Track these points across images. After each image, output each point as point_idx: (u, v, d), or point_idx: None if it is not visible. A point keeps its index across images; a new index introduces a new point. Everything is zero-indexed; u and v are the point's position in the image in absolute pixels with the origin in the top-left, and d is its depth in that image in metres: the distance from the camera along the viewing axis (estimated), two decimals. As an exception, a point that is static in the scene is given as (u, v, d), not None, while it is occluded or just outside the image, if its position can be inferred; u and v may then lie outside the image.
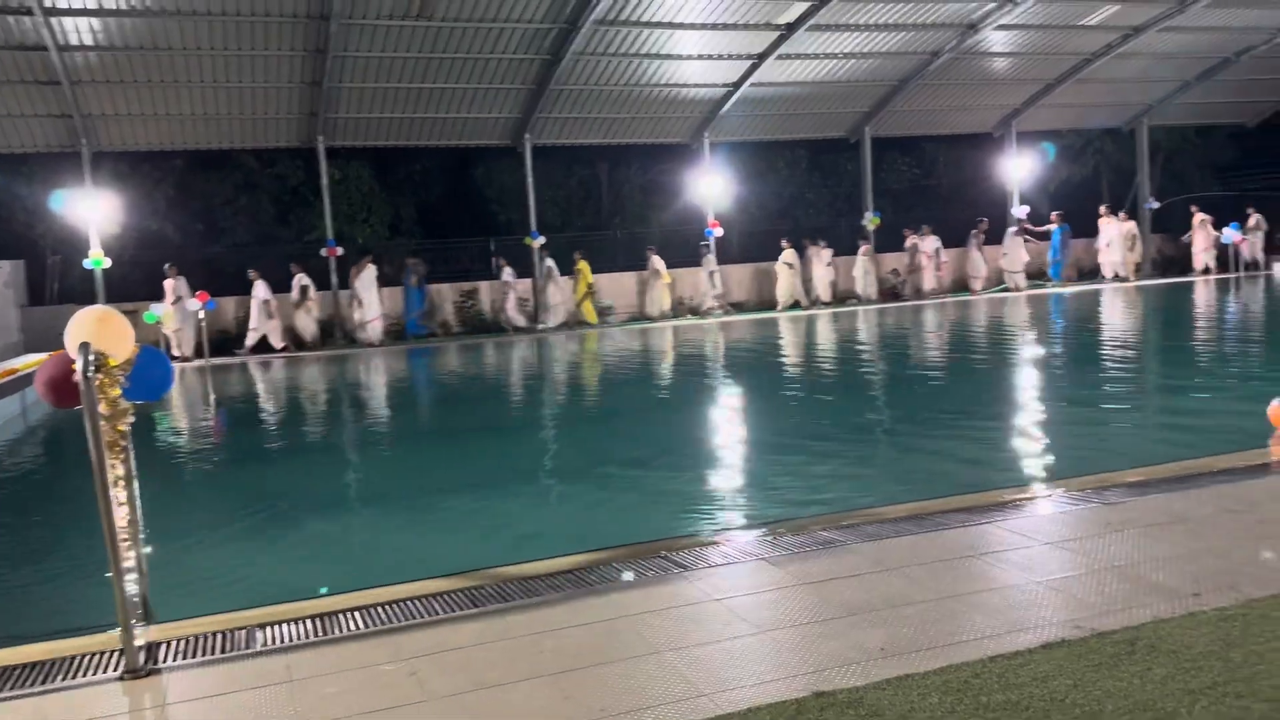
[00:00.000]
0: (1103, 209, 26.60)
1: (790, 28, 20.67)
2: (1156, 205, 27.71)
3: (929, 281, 25.05)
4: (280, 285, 20.81)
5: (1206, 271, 25.81)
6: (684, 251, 25.73)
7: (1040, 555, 4.57)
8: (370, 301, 21.02)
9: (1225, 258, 25.82)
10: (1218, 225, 25.83)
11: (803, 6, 20.03)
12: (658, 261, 23.47)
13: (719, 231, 24.38)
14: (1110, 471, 6.12)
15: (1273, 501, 5.16)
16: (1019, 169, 26.92)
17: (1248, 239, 25.95)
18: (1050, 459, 7.52)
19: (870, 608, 4.02)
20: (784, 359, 16.20)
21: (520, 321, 22.31)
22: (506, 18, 18.95)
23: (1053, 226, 26.16)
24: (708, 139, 24.40)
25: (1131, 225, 26.30)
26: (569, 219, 30.15)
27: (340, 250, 21.93)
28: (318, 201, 22.54)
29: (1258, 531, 4.67)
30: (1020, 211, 26.33)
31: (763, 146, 28.49)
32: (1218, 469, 5.94)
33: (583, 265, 23.01)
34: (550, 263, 22.71)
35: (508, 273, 22.29)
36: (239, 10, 17.48)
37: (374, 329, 21.01)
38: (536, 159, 23.54)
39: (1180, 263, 27.11)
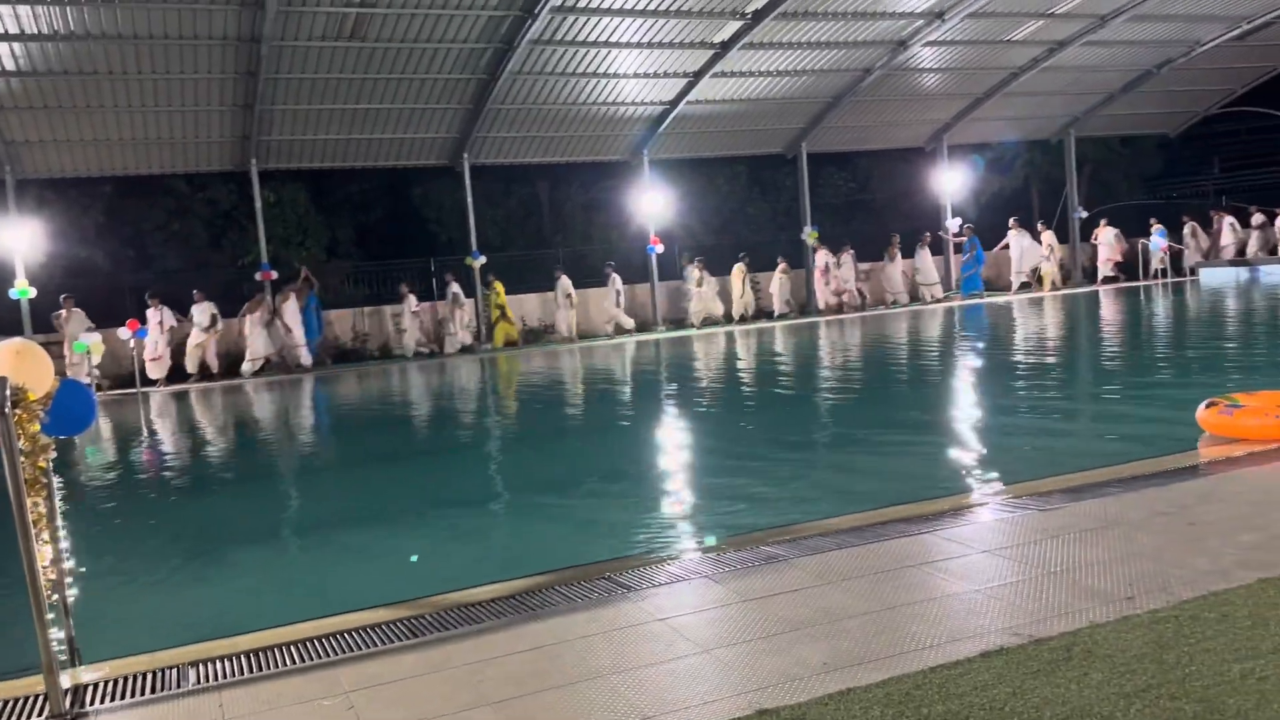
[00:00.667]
0: (1012, 221, 27.05)
1: (725, 46, 20.87)
2: (1085, 214, 28.39)
3: (826, 297, 24.94)
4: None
5: (1111, 280, 26.42)
6: (628, 270, 25.78)
7: (979, 563, 4.62)
8: (297, 327, 20.65)
9: (1151, 265, 26.50)
10: (1145, 233, 26.54)
11: (736, 25, 20.24)
12: (565, 283, 23.16)
13: (660, 248, 24.49)
14: (1045, 478, 6.22)
15: (1201, 504, 5.27)
16: (951, 182, 27.44)
17: (1171, 246, 26.70)
18: (983, 467, 7.62)
19: (812, 622, 4.03)
20: (681, 377, 16.12)
21: (423, 348, 21.92)
22: (441, 38, 18.87)
23: (964, 238, 26.60)
24: (647, 156, 24.51)
25: (1049, 236, 26.82)
26: (510, 238, 30.09)
27: (275, 274, 21.59)
28: (252, 225, 22.20)
29: (1188, 534, 4.77)
30: (953, 224, 26.81)
31: (703, 163, 28.70)
32: (1149, 473, 6.06)
33: (497, 287, 22.71)
34: (455, 287, 22.38)
35: (412, 300, 21.92)
36: (167, 33, 17.18)
37: (301, 355, 20.63)
38: (476, 178, 23.46)
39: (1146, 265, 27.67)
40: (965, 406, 10.81)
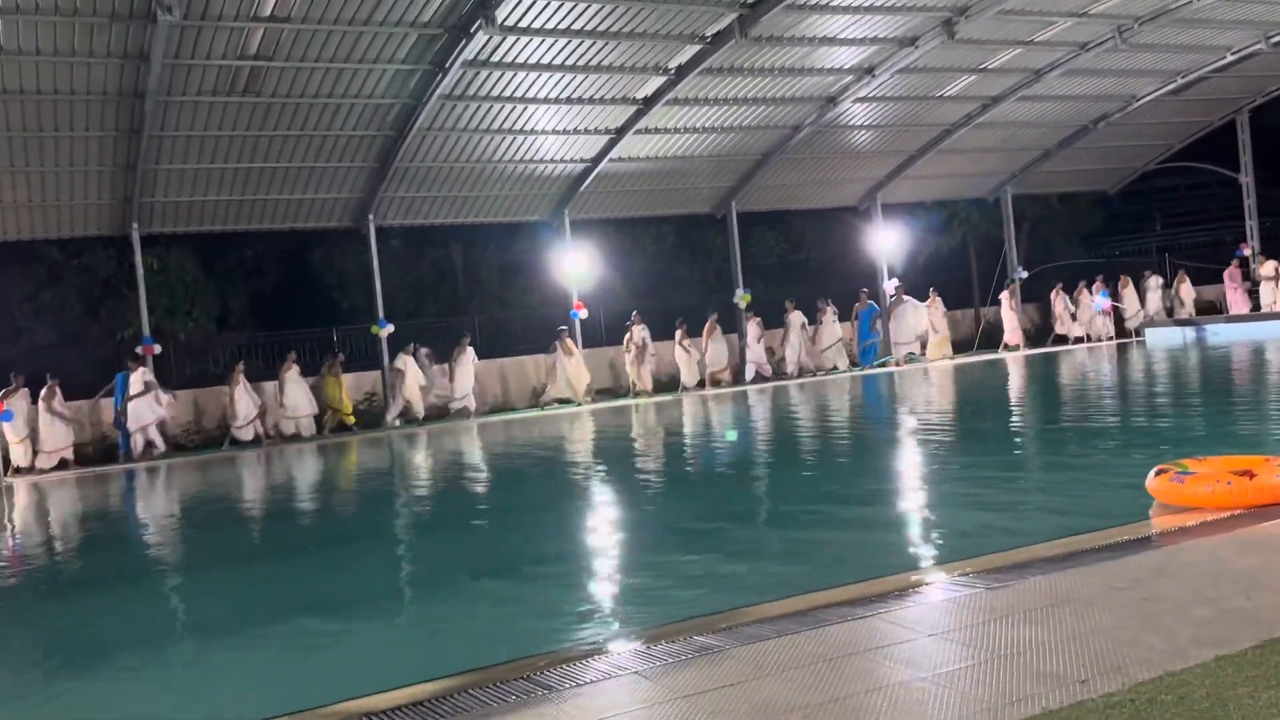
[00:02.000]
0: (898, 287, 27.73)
1: (648, 102, 21.29)
2: (1025, 274, 29.31)
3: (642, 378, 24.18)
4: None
5: (1016, 347, 27.46)
6: (545, 336, 25.78)
7: (926, 648, 4.64)
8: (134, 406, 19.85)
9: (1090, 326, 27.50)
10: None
11: (660, 81, 20.69)
12: (406, 361, 22.31)
13: (584, 313, 24.57)
14: (992, 554, 6.29)
15: (1155, 578, 5.38)
16: (886, 242, 28.07)
17: (1115, 306, 27.75)
18: (925, 544, 7.70)
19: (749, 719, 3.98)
20: (526, 464, 16.01)
21: (246, 435, 20.95)
22: (344, 93, 18.90)
23: (860, 307, 26.77)
24: (568, 216, 24.70)
25: (938, 304, 27.42)
26: (421, 304, 30.01)
27: (158, 348, 21.09)
28: (133, 294, 21.78)
29: (1142, 610, 4.85)
30: (890, 285, 27.38)
31: (628, 223, 29.09)
32: (1100, 545, 6.17)
33: (334, 370, 22.03)
34: (291, 371, 21.60)
35: (242, 384, 21.00)
36: (40, 89, 16.93)
37: (154, 433, 19.93)
38: (383, 241, 23.37)
39: (1049, 331, 28.66)
40: (888, 485, 10.93)
